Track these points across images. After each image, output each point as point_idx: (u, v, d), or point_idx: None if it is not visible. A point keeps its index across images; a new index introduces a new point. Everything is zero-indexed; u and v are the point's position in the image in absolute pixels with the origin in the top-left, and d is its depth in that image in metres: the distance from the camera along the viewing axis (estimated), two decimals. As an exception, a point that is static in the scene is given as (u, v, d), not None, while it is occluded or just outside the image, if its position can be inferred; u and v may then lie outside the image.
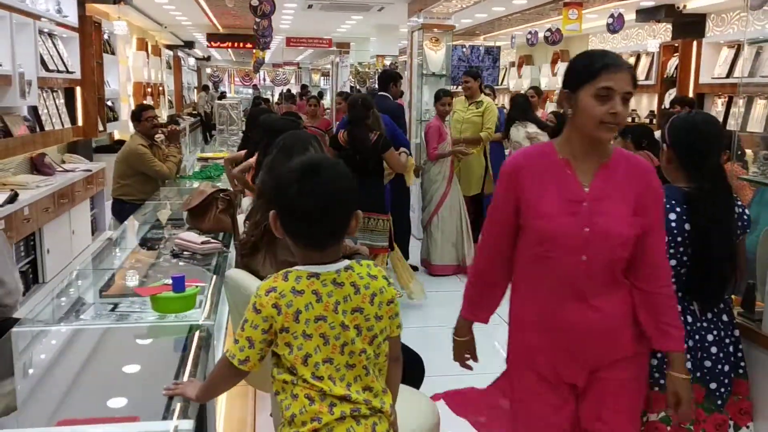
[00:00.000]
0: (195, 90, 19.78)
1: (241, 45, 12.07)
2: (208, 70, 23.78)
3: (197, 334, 2.18)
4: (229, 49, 16.36)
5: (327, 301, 1.59)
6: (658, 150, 5.60)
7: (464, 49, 10.97)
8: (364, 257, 4.13)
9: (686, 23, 8.39)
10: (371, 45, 11.69)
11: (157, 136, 5.68)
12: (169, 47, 15.15)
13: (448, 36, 7.64)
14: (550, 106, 12.18)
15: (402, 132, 5.90)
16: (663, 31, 9.43)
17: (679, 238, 2.17)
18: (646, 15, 8.40)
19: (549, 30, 9.27)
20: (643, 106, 9.89)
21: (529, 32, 9.96)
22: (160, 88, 12.58)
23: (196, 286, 2.39)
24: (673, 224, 2.16)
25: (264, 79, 26.91)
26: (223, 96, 18.56)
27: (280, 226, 1.64)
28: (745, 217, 2.28)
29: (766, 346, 2.38)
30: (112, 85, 8.46)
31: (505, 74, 14.51)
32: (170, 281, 2.33)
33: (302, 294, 1.59)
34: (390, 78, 6.68)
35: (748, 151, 5.76)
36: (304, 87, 18.61)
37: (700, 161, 2.19)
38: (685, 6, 8.16)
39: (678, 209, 2.17)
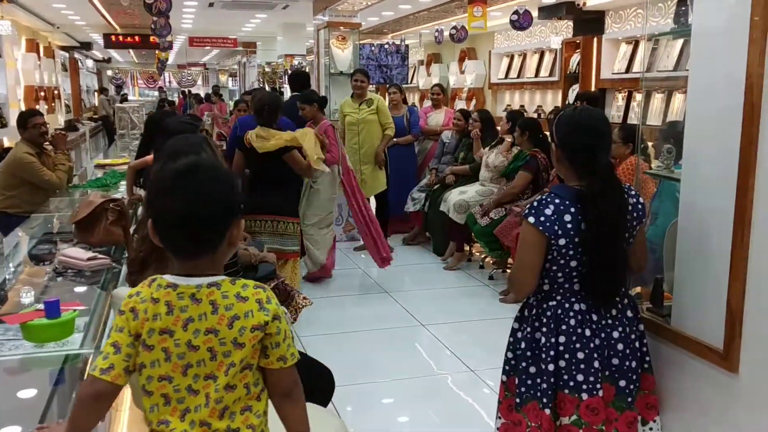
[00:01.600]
0: (95, 93, 18.92)
1: (140, 45, 11.57)
2: (109, 72, 22.81)
3: (74, 364, 1.96)
4: (131, 50, 15.70)
5: (178, 315, 1.44)
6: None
7: (373, 48, 10.90)
8: (271, 264, 3.96)
9: (586, 20, 8.58)
10: (278, 44, 11.44)
11: (46, 143, 5.31)
12: (65, 48, 14.40)
13: (355, 34, 7.52)
14: (459, 104, 12.29)
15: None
16: (565, 28, 9.64)
17: (576, 239, 2.12)
18: (548, 12, 8.55)
19: (454, 28, 9.30)
20: (548, 102, 10.08)
21: (437, 30, 9.98)
22: (55, 92, 11.92)
23: (74, 310, 2.16)
24: (569, 225, 2.11)
25: (169, 81, 26.06)
26: (125, 99, 17.82)
27: (155, 233, 1.49)
28: (640, 206, 2.25)
29: (674, 340, 2.37)
30: (-2, 89, 7.91)
31: (414, 72, 14.55)
32: (43, 306, 2.09)
33: (157, 302, 1.45)
34: (305, 78, 6.60)
35: (649, 144, 5.94)
36: (215, 88, 18.10)
37: (588, 159, 2.14)
38: (584, 3, 8.35)
39: (572, 209, 2.12)
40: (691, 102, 2.38)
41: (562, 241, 2.11)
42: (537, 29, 10.38)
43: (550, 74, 9.60)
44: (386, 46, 11.22)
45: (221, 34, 12.65)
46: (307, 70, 8.07)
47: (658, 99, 7.60)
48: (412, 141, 7.52)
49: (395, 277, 6.02)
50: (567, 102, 9.14)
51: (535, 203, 2.16)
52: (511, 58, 10.91)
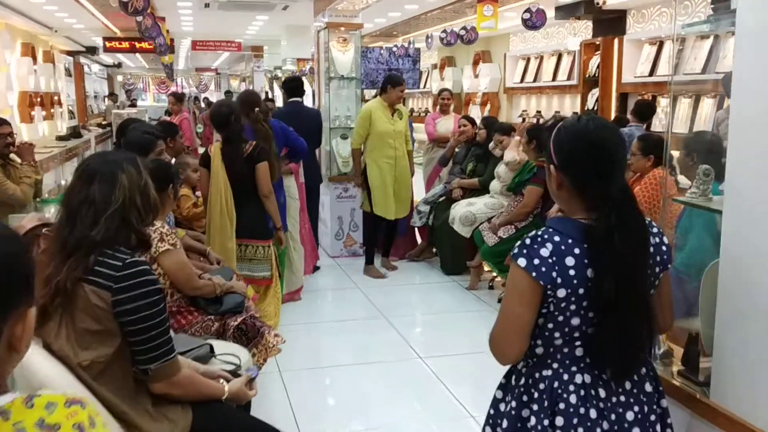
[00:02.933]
0: (105, 99, 18.64)
1: (139, 49, 11.22)
2: (119, 78, 22.56)
3: None
4: (138, 55, 15.37)
5: None
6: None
7: (381, 51, 10.42)
8: (240, 295, 3.48)
9: (606, 20, 8.03)
10: (283, 48, 11.02)
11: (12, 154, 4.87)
12: (70, 53, 14.09)
13: (357, 36, 7.03)
14: (473, 109, 11.77)
15: (296, 136, 5.23)
16: (584, 29, 9.09)
17: (581, 289, 1.59)
18: (565, 12, 8.01)
19: (464, 28, 8.78)
20: (566, 107, 9.53)
21: (444, 31, 9.46)
22: (55, 98, 11.56)
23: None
24: (572, 272, 1.58)
25: (182, 87, 25.82)
26: (133, 104, 17.50)
27: None
28: (664, 248, 1.72)
29: (712, 419, 1.84)
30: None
31: (427, 77, 14.05)
32: None
33: None
34: (298, 83, 6.18)
35: (676, 154, 5.36)
36: (228, 93, 17.74)
37: (601, 184, 1.61)
38: (604, 2, 7.80)
39: (576, 250, 1.59)
40: (735, 111, 1.85)
41: (561, 292, 1.58)
42: (554, 30, 9.83)
43: (569, 78, 9.05)
44: (395, 49, 10.76)
45: (225, 37, 12.28)
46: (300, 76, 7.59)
47: (685, 104, 7.03)
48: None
49: (396, 299, 5.51)
50: (586, 107, 8.58)
51: (528, 240, 1.64)
52: (528, 61, 10.37)
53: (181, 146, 5.12)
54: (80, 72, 14.76)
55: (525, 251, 1.61)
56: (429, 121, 7.59)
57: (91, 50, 13.98)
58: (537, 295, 1.60)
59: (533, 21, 6.90)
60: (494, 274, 5.73)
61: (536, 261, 1.59)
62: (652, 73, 7.42)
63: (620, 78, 7.85)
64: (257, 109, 4.85)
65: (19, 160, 4.93)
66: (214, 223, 4.15)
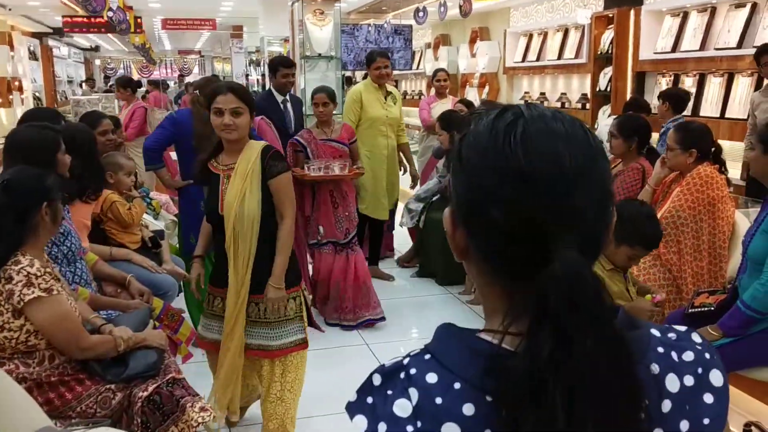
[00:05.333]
0: (81, 85, 17.60)
1: (98, 28, 10.24)
2: (97, 62, 21.47)
3: None
4: (112, 36, 14.34)
5: None
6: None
7: (369, 29, 9.46)
8: (154, 352, 2.56)
9: (622, -12, 7.07)
10: (261, 27, 10.03)
11: None
12: (36, 35, 13.08)
13: (337, 10, 6.09)
14: (470, 91, 10.83)
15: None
16: (594, 0, 8.13)
17: None
18: (574, -20, 7.05)
19: (461, -1, 7.82)
20: (574, 88, 8.58)
21: (441, 4, 8.47)
22: (16, 83, 10.59)
23: None
24: None
25: (168, 70, 24.73)
26: (110, 90, 16.48)
27: None
28: (709, 401, 0.80)
29: None
30: None
31: (420, 57, 13.08)
32: None
33: None
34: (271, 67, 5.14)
35: (725, 145, 4.42)
36: (214, 77, 16.62)
37: (533, 262, 0.70)
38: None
39: (469, 409, 0.70)
40: None
41: None
42: (560, 2, 8.87)
43: (577, 56, 8.09)
44: (386, 26, 9.79)
45: (198, 14, 11.27)
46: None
47: (715, 84, 6.10)
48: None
49: (393, 320, 4.62)
50: (597, 89, 7.64)
51: (378, 380, 0.76)
52: (530, 37, 9.41)
53: (113, 143, 4.20)
54: (48, 55, 13.73)
55: (367, 400, 0.75)
56: (424, 105, 6.67)
57: (59, 32, 12.97)
58: None
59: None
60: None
61: (382, 427, 0.71)
62: (675, 48, 6.48)
63: (637, 55, 6.91)
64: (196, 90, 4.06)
65: None
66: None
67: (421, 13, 8.88)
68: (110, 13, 6.84)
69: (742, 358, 2.63)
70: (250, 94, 2.98)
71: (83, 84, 17.76)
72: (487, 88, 10.38)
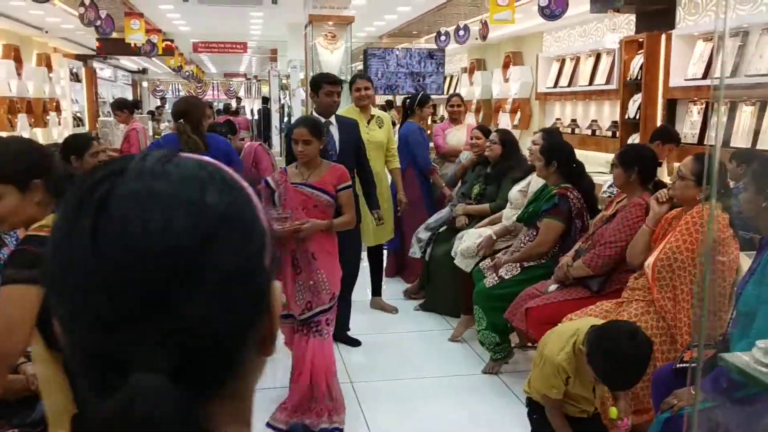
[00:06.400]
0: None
1: (125, 51, 10.38)
2: (145, 84, 21.93)
3: None
4: (156, 58, 14.61)
5: None
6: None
7: (397, 53, 9.32)
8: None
9: (651, 12, 6.75)
10: (289, 50, 9.97)
11: None
12: (79, 57, 13.39)
13: (347, 31, 5.95)
14: (503, 117, 10.56)
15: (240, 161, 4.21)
16: (626, 24, 7.81)
17: None
18: (600, 4, 6.75)
19: (480, 22, 7.58)
20: (605, 115, 8.24)
21: (458, 27, 8.26)
22: (53, 104, 10.81)
23: None
24: None
25: (216, 92, 25.17)
26: (153, 112, 16.75)
27: None
28: None
29: None
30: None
31: (456, 82, 12.88)
32: None
33: None
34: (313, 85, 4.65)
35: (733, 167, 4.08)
36: (265, 100, 16.77)
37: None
38: (648, -10, 6.54)
39: None
40: None
41: None
42: (592, 27, 8.57)
43: (607, 81, 7.76)
44: (417, 50, 9.63)
45: (227, 38, 11.34)
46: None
47: (747, 113, 5.73)
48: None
49: (376, 355, 4.39)
50: (627, 116, 7.29)
51: None
52: (562, 62, 9.10)
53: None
54: (91, 77, 14.04)
55: None
56: (438, 131, 6.49)
57: (101, 54, 13.26)
58: None
59: (551, 9, 5.66)
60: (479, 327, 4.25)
61: None
62: (706, 75, 6.11)
63: (667, 81, 6.55)
64: (181, 120, 3.91)
65: None
66: None
67: (443, 37, 8.69)
68: (96, 23, 6.78)
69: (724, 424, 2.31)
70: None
71: (138, 106, 18.12)
72: (519, 114, 10.10)
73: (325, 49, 5.85)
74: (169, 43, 10.61)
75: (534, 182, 4.63)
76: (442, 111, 13.88)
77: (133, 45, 8.42)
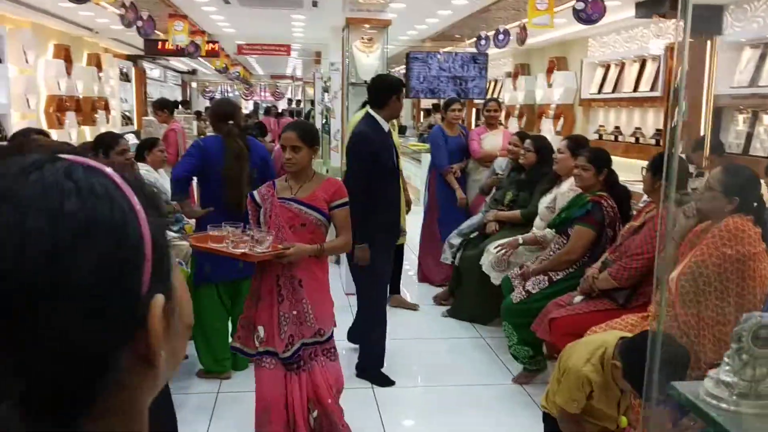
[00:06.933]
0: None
1: (168, 52, 10.60)
2: (194, 84, 22.34)
3: None
4: (204, 59, 14.87)
5: None
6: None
7: (439, 57, 9.26)
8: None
9: (697, 17, 6.52)
10: (330, 52, 10.02)
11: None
12: (130, 58, 13.71)
13: (384, 35, 5.95)
14: (546, 123, 10.40)
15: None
16: (673, 30, 7.60)
17: None
18: (646, 9, 6.59)
19: (518, 26, 7.48)
20: (649, 124, 8.03)
21: (498, 31, 8.16)
22: (102, 102, 11.09)
23: None
24: None
25: (264, 94, 25.50)
26: (200, 112, 17.06)
27: None
28: None
29: None
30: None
31: (500, 86, 12.75)
32: None
33: None
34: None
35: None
36: (311, 102, 16.93)
37: None
38: (696, -5, 6.34)
39: None
40: None
41: None
42: (638, 32, 8.36)
43: (652, 88, 7.57)
44: (459, 55, 9.56)
45: (271, 40, 11.45)
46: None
47: (792, 123, 5.51)
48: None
49: (398, 361, 4.35)
50: (672, 125, 7.10)
51: None
52: (607, 68, 8.92)
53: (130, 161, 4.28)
54: (140, 77, 14.36)
55: None
56: (474, 136, 6.42)
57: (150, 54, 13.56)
58: None
59: (588, 13, 5.53)
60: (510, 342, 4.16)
61: None
62: (753, 83, 5.91)
63: (712, 89, 6.36)
64: (231, 122, 3.97)
65: None
66: None
67: (483, 41, 8.60)
68: (137, 23, 6.87)
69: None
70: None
71: (179, 105, 18.51)
72: (562, 120, 9.93)
73: (361, 52, 5.86)
74: (213, 44, 10.78)
75: (560, 197, 4.54)
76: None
77: (176, 46, 8.57)
